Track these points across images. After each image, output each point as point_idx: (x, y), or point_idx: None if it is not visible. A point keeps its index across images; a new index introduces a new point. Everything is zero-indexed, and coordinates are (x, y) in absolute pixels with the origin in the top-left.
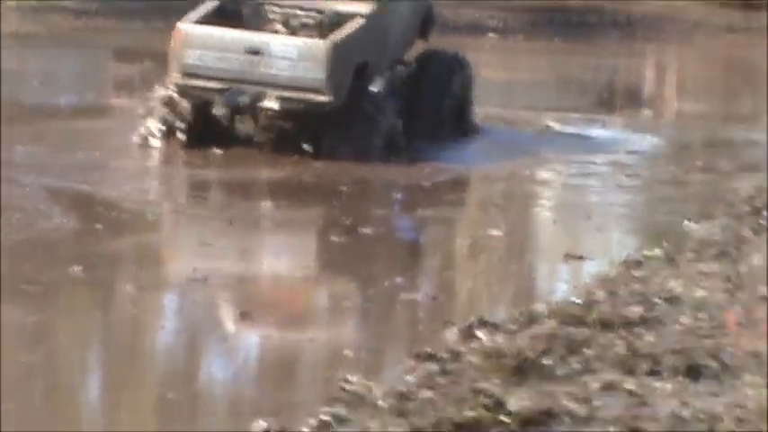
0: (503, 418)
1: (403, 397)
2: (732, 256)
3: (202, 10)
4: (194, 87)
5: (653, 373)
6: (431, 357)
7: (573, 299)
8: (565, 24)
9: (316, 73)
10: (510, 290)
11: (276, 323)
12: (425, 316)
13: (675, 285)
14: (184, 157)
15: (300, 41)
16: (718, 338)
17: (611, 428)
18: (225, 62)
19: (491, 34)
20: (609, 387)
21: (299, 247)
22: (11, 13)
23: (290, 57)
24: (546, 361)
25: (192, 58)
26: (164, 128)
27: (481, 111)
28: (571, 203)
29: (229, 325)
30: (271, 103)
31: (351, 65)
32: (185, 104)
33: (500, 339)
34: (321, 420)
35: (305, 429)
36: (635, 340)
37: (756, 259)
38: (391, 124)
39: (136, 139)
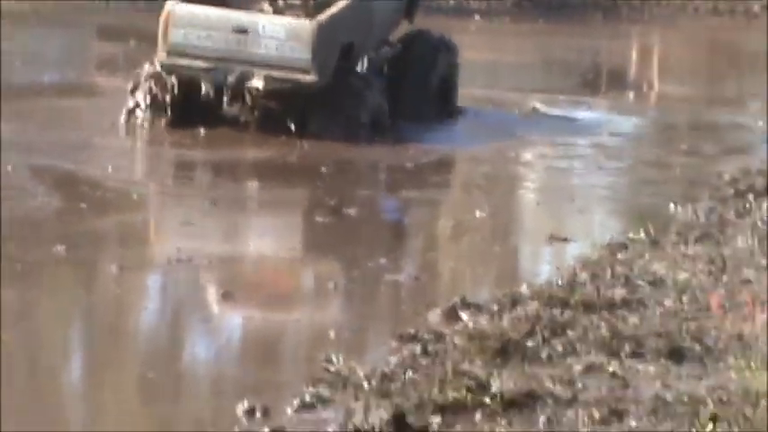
0: (486, 399)
1: (386, 378)
2: (716, 239)
3: None
4: (181, 66)
5: (636, 355)
6: (414, 338)
7: (556, 281)
8: (550, 6)
9: (302, 53)
10: (493, 271)
11: (260, 303)
12: (409, 297)
13: (659, 268)
14: (170, 136)
15: (287, 21)
16: (701, 321)
17: (595, 410)
18: (212, 41)
19: (476, 16)
20: (592, 369)
21: (284, 227)
22: None
23: (277, 36)
24: (529, 343)
25: (179, 36)
26: (149, 101)
27: (467, 92)
28: (555, 185)
29: (213, 305)
30: (257, 83)
31: (337, 45)
32: (172, 81)
33: (483, 321)
34: (304, 401)
35: (288, 409)
36: (618, 322)
37: (740, 242)
38: (377, 103)
39: (122, 114)
